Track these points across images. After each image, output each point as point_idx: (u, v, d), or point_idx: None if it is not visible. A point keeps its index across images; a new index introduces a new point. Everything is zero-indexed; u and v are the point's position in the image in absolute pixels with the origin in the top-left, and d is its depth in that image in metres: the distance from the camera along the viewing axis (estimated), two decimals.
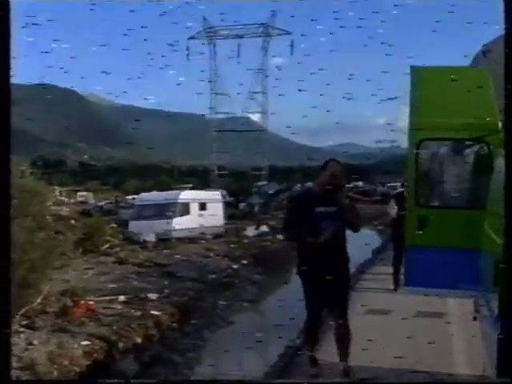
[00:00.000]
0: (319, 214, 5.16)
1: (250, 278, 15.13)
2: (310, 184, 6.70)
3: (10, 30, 1.60)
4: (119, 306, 10.32)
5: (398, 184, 16.92)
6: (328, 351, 5.55)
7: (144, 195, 26.36)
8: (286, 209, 5.79)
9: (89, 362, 7.64)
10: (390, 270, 10.12)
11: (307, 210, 5.19)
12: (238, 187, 47.93)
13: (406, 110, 5.25)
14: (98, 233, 18.74)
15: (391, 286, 9.86)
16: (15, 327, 7.85)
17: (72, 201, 41.50)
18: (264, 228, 25.19)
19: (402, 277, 6.11)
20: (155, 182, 47.26)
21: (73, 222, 21.44)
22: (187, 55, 73.37)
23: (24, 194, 9.15)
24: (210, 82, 78.10)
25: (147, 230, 21.17)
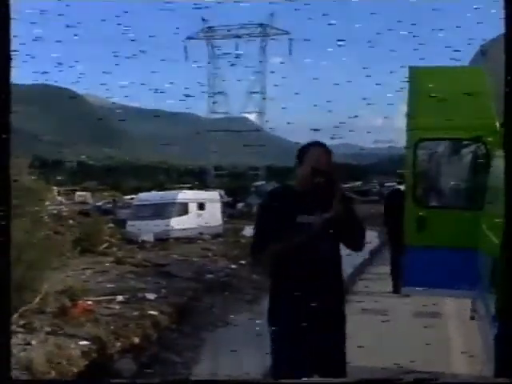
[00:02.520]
0: (301, 227, 3.35)
1: (249, 278, 15.10)
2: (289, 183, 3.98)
3: (9, 29, 1.60)
4: (117, 306, 10.31)
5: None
6: None
7: (142, 195, 26.35)
8: (256, 220, 3.69)
9: (87, 363, 7.63)
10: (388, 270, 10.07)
11: (284, 220, 3.37)
12: (235, 187, 47.90)
13: (404, 109, 5.26)
14: (96, 233, 18.72)
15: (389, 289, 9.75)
16: (13, 327, 7.83)
17: (70, 201, 41.39)
18: None
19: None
20: (153, 182, 47.27)
21: (71, 221, 21.40)
22: (185, 55, 73.51)
23: (22, 193, 9.13)
24: (208, 81, 78.34)
25: (145, 229, 21.15)
